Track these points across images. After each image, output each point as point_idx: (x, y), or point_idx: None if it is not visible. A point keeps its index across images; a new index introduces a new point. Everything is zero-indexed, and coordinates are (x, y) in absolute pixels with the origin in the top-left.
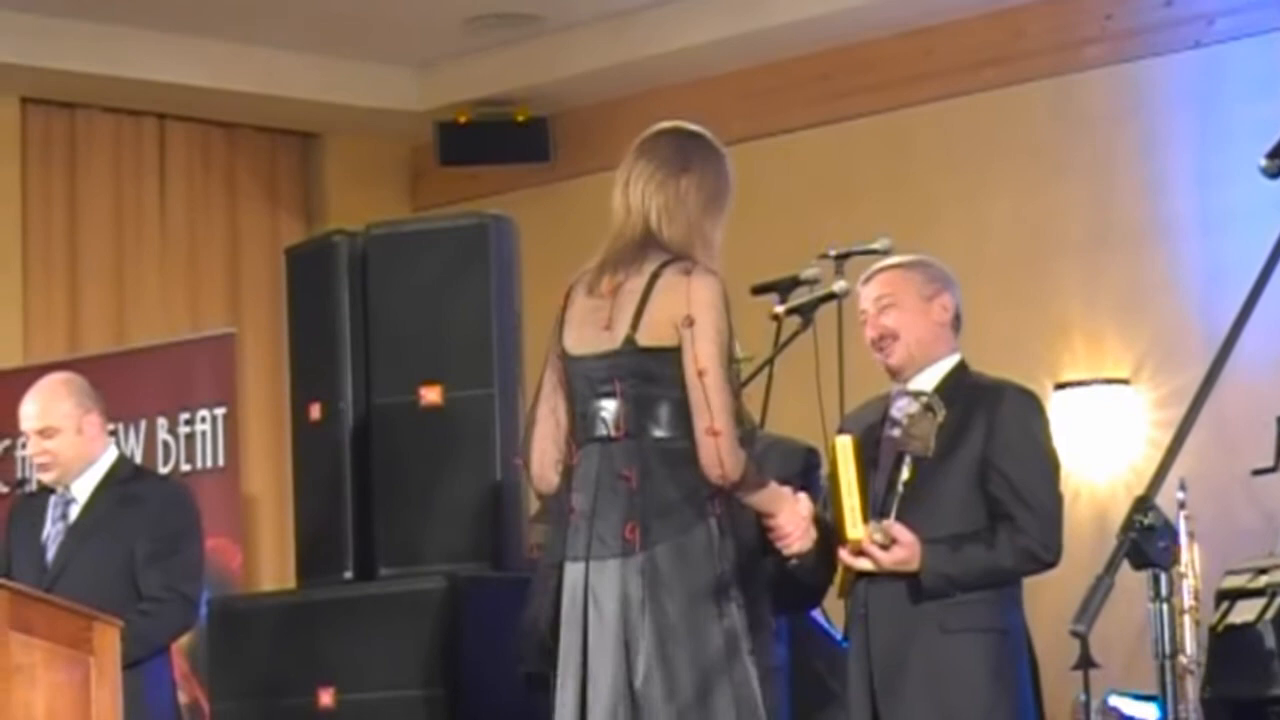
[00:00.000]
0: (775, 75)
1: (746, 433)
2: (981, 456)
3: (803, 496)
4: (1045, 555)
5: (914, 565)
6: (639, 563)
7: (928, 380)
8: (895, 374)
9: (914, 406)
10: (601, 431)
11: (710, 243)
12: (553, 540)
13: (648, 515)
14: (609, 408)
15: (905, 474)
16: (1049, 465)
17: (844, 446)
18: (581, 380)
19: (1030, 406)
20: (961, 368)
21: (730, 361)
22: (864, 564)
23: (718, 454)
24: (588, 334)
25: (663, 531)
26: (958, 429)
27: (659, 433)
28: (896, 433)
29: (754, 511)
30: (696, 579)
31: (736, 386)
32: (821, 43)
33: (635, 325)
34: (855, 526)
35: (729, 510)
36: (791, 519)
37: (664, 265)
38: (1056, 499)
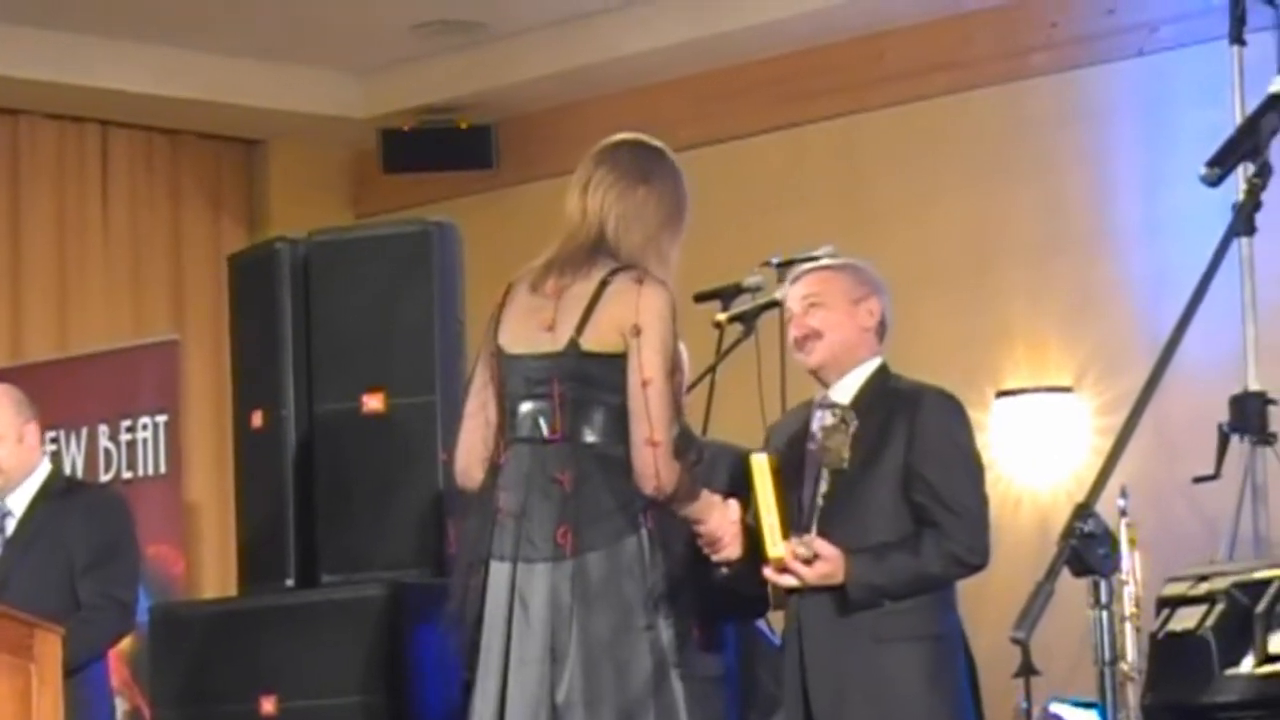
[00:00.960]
0: (723, 81)
1: (687, 442)
2: (904, 464)
3: (732, 503)
4: (972, 559)
5: (838, 578)
6: (570, 568)
7: (849, 385)
8: (815, 374)
9: (828, 419)
10: (534, 432)
11: (666, 258)
12: (475, 537)
13: (581, 520)
14: (544, 409)
15: (823, 486)
16: (972, 468)
17: (760, 465)
18: (517, 379)
19: (950, 410)
20: (882, 372)
21: (674, 373)
22: (789, 580)
23: (655, 465)
24: (527, 333)
25: (595, 539)
26: (879, 437)
27: (592, 438)
28: (814, 446)
29: (685, 520)
30: (627, 590)
31: (679, 399)
32: (770, 49)
33: (580, 329)
34: (775, 545)
35: (660, 522)
36: (721, 525)
37: (614, 272)
38: (981, 501)
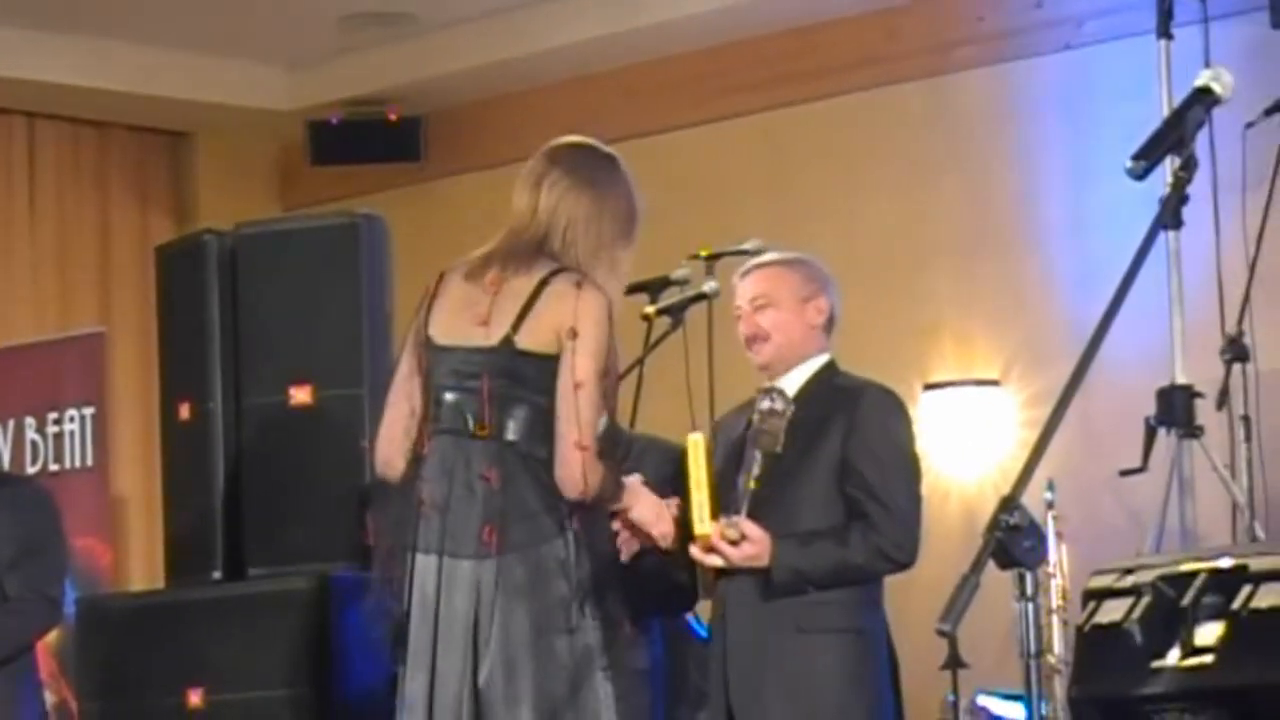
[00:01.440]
0: (649, 74)
1: (613, 442)
2: (840, 456)
3: (661, 499)
4: (898, 554)
5: (764, 561)
6: (493, 567)
7: (795, 379)
8: (763, 370)
9: (766, 403)
10: (458, 424)
11: (617, 267)
12: (397, 528)
13: (507, 519)
14: (470, 403)
15: (755, 470)
16: (907, 466)
17: (695, 443)
18: (444, 371)
19: (891, 407)
20: (829, 368)
21: (606, 375)
22: (715, 560)
23: (582, 469)
24: (460, 325)
25: (520, 538)
26: (818, 429)
27: (513, 436)
28: (750, 430)
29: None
30: (550, 591)
31: (611, 404)
32: (696, 42)
33: (517, 326)
34: (703, 522)
35: (587, 524)
36: (647, 509)
37: (555, 273)
38: (913, 499)
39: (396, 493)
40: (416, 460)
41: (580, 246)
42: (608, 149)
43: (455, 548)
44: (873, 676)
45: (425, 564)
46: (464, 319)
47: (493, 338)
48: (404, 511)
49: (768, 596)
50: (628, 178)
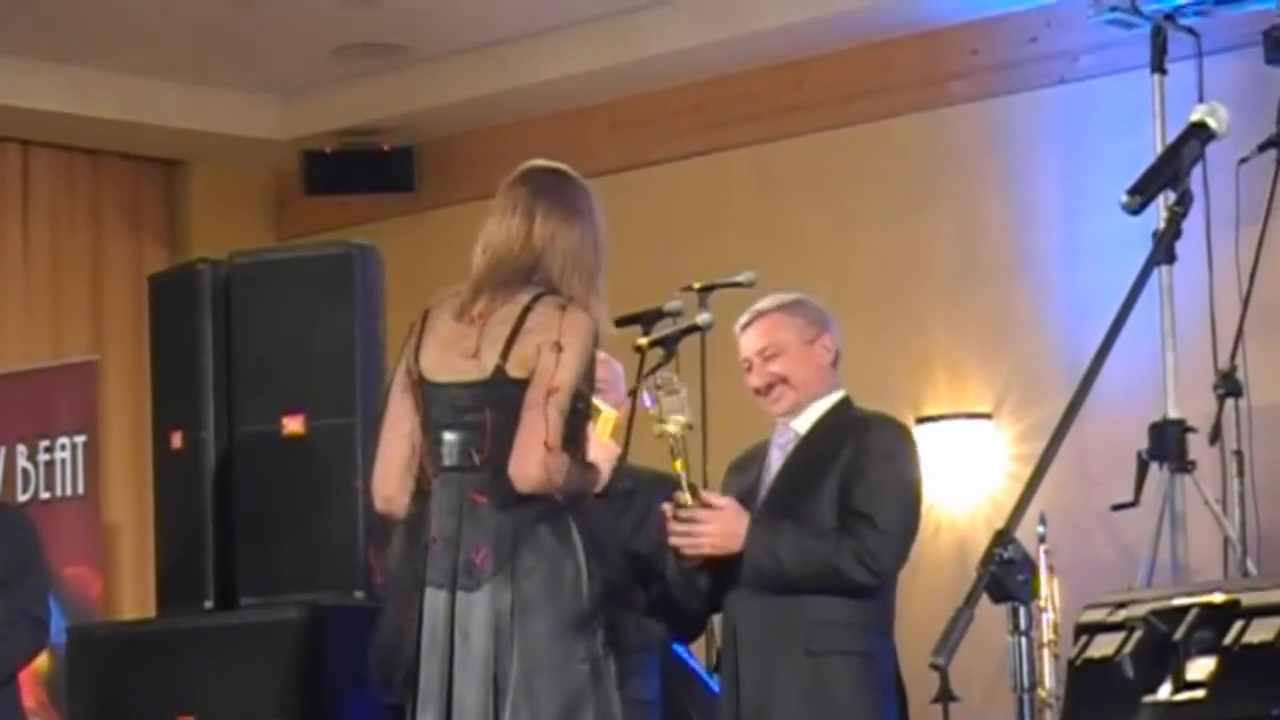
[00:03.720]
0: (644, 107)
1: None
2: (841, 483)
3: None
4: (871, 564)
5: (740, 535)
6: (508, 591)
7: (809, 417)
8: (783, 417)
9: (661, 397)
10: (463, 460)
11: (602, 295)
12: (407, 566)
13: (513, 539)
14: (473, 437)
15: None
16: (901, 490)
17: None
18: (442, 407)
19: (896, 436)
20: (843, 404)
21: (578, 395)
22: (697, 544)
23: (543, 466)
24: (451, 360)
25: (530, 560)
26: (826, 460)
27: None
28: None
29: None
30: (563, 609)
31: (578, 423)
32: (690, 75)
33: (505, 355)
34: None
35: (597, 545)
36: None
37: (538, 298)
38: (900, 519)
39: (406, 531)
40: (423, 496)
41: (576, 279)
42: (577, 174)
43: (467, 580)
44: (880, 700)
45: (435, 598)
46: (454, 353)
47: (485, 369)
48: (415, 549)
49: (745, 580)
50: (596, 204)
